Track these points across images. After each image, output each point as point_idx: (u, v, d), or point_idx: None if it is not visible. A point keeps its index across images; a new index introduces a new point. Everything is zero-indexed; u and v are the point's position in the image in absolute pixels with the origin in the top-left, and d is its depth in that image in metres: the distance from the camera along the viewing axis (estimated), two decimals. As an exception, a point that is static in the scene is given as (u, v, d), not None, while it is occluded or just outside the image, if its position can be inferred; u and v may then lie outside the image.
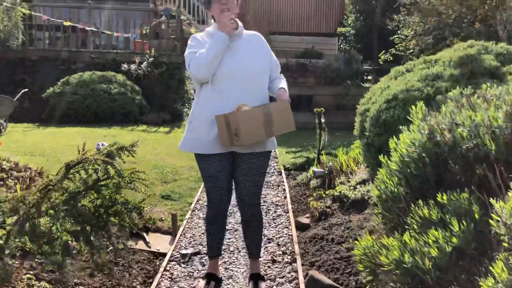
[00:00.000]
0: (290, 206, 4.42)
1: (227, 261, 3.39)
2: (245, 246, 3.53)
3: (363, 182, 4.16)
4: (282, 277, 3.10)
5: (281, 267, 3.24)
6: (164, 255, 3.51)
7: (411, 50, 11.26)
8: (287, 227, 3.97)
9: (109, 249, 3.18)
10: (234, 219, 4.16)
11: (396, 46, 12.05)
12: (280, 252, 3.48)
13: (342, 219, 3.70)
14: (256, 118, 2.53)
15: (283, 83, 2.76)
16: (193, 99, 11.29)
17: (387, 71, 13.72)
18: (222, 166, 2.74)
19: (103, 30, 11.07)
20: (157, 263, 3.42)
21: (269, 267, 3.26)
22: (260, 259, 3.11)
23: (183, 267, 3.30)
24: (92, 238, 2.68)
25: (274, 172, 5.99)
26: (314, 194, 4.41)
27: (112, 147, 2.54)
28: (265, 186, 5.15)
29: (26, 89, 8.47)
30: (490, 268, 1.43)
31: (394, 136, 3.66)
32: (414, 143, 2.07)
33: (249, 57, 2.68)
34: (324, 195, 4.24)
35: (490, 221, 1.52)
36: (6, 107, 7.29)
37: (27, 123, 8.86)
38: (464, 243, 1.65)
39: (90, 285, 2.93)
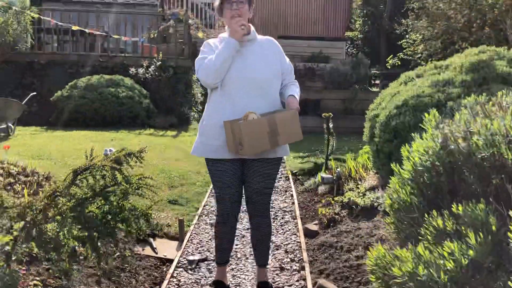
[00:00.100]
0: (298, 212, 4.38)
1: (235, 268, 3.35)
2: (253, 253, 3.51)
3: (372, 188, 4.11)
4: (290, 285, 3.05)
5: (289, 275, 3.20)
6: (171, 261, 3.48)
7: (419, 55, 11.19)
8: (295, 234, 3.93)
9: (116, 255, 3.16)
10: (241, 225, 4.12)
11: (404, 51, 11.98)
12: (288, 260, 3.44)
13: (351, 226, 3.65)
14: (261, 128, 2.50)
15: (294, 90, 2.72)
16: (200, 103, 11.31)
17: (395, 75, 13.67)
18: (231, 171, 2.72)
19: (111, 34, 11.11)
20: (164, 269, 3.39)
21: (277, 274, 3.22)
22: (268, 266, 3.07)
23: (190, 274, 3.27)
24: (99, 244, 2.66)
25: (281, 177, 5.95)
26: (323, 201, 4.37)
27: (120, 153, 2.52)
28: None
29: (35, 93, 8.50)
30: (509, 283, 1.38)
31: (405, 143, 3.62)
32: (427, 151, 2.02)
33: (259, 63, 2.65)
34: (332, 202, 4.19)
35: (509, 233, 1.47)
36: (15, 111, 7.32)
37: (35, 126, 8.89)
38: (480, 256, 1.61)
39: (97, 292, 2.91)
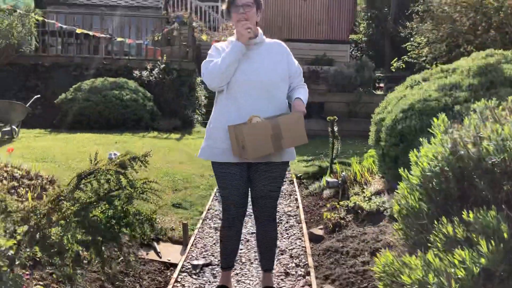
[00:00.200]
0: (302, 217, 4.35)
1: (239, 273, 3.32)
2: (257, 258, 3.47)
3: (378, 193, 4.07)
4: (296, 291, 3.02)
5: (294, 280, 3.17)
6: (175, 265, 3.46)
7: (424, 58, 11.13)
8: (300, 239, 3.90)
9: (120, 259, 3.14)
10: (245, 229, 4.09)
11: (408, 54, 11.93)
12: (293, 265, 3.41)
13: (357, 231, 3.62)
14: (264, 131, 2.48)
15: (301, 93, 2.70)
16: (204, 105, 11.28)
17: (399, 78, 13.64)
18: (237, 175, 2.70)
19: (115, 37, 11.12)
20: (168, 274, 3.37)
21: (282, 280, 3.19)
22: (273, 271, 3.04)
23: (195, 279, 3.24)
24: (103, 249, 2.64)
25: (285, 181, 5.91)
26: (328, 205, 4.33)
27: (124, 157, 2.50)
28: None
29: (39, 95, 8.50)
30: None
31: (411, 147, 3.59)
32: (436, 156, 1.99)
33: (266, 66, 2.64)
34: (338, 206, 4.16)
35: (522, 242, 1.44)
36: (19, 113, 7.32)
37: (39, 129, 8.89)
38: (492, 264, 1.57)
39: (101, 296, 2.88)
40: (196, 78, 11.02)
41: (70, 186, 2.34)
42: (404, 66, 12.24)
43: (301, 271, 3.29)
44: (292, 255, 3.58)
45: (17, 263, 2.47)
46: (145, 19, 11.99)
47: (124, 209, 2.48)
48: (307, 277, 3.18)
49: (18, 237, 2.53)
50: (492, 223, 1.66)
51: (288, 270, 3.31)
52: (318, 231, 3.92)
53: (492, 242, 1.59)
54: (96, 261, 2.71)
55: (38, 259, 2.75)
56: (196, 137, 9.20)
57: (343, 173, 4.75)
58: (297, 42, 12.94)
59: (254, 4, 2.61)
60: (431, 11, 10.81)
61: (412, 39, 12.02)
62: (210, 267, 3.42)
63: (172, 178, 5.51)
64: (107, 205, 2.50)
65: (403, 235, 2.07)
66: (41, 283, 2.74)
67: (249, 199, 2.84)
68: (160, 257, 3.57)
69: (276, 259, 3.42)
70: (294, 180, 5.86)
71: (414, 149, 2.14)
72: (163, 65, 10.40)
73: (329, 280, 3.07)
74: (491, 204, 1.77)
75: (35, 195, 3.29)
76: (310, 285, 3.04)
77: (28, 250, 2.53)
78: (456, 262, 1.64)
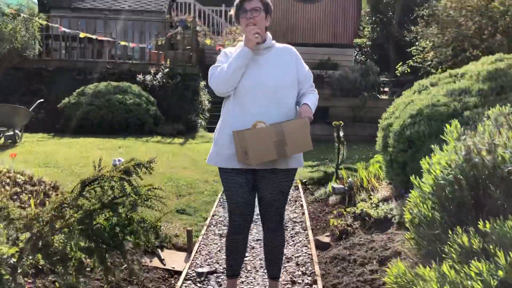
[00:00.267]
0: (308, 223, 4.28)
1: (244, 281, 3.26)
2: (262, 265, 3.42)
3: (386, 199, 4.01)
4: (303, 300, 2.96)
5: (301, 289, 3.10)
6: (179, 273, 3.40)
7: (429, 62, 11.07)
8: (306, 246, 3.83)
9: (123, 266, 3.09)
10: (251, 236, 4.03)
11: (413, 58, 11.87)
12: (300, 273, 3.35)
13: (365, 239, 3.55)
14: (267, 137, 2.43)
15: (309, 98, 2.65)
16: (207, 110, 11.26)
17: (404, 83, 13.54)
18: (243, 181, 2.65)
19: (118, 41, 11.11)
20: (172, 281, 3.31)
21: (288, 288, 3.13)
22: (279, 279, 2.98)
23: (199, 287, 3.18)
24: (106, 256, 2.59)
25: (290, 186, 5.86)
26: (334, 212, 4.27)
27: (129, 163, 2.45)
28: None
29: (42, 100, 8.48)
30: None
31: (420, 153, 3.52)
32: (450, 164, 1.93)
33: (273, 71, 2.59)
34: (344, 213, 4.09)
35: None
36: (22, 118, 7.29)
37: (42, 133, 8.87)
38: (510, 277, 1.51)
39: (104, 305, 2.83)
40: (200, 83, 11.00)
41: (74, 193, 2.29)
42: (409, 70, 12.19)
43: (307, 279, 3.23)
44: (299, 262, 3.52)
45: (19, 271, 2.42)
46: (149, 23, 11.99)
47: (129, 216, 2.43)
48: (314, 285, 3.11)
49: (21, 244, 2.49)
50: (510, 233, 1.60)
51: (294, 279, 3.25)
52: (324, 238, 3.86)
53: (510, 253, 1.53)
54: (100, 269, 2.66)
55: (40, 267, 2.71)
56: (199, 141, 9.16)
57: (349, 179, 4.69)
58: (301, 46, 12.88)
59: (262, 9, 2.57)
60: (436, 15, 10.77)
61: (417, 43, 11.98)
62: (215, 274, 3.36)
63: (176, 184, 5.46)
64: (111, 213, 2.45)
65: (415, 245, 2.01)
66: (43, 291, 2.69)
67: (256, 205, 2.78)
68: (164, 265, 3.51)
69: (282, 267, 3.37)
70: (299, 185, 5.80)
71: (426, 157, 2.08)
72: (167, 69, 10.38)
73: (337, 289, 3.00)
74: (507, 213, 1.71)
75: (38, 201, 3.25)
76: (317, 294, 2.98)
77: (30, 257, 2.49)
78: (473, 274, 1.58)
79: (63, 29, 10.56)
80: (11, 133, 7.03)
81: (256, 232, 4.11)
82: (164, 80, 10.26)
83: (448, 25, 10.37)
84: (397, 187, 4.01)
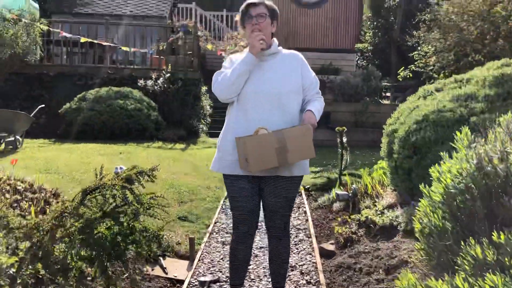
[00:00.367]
0: (312, 231, 4.23)
1: (248, 290, 3.20)
2: (266, 274, 3.36)
3: (391, 206, 3.95)
4: (308, 310, 2.90)
5: (306, 299, 3.05)
6: (181, 282, 3.34)
7: (431, 67, 11.03)
8: (310, 254, 3.77)
9: (125, 275, 3.03)
10: (254, 243, 3.96)
11: (415, 63, 11.84)
12: (304, 282, 3.29)
13: (370, 247, 3.49)
14: (268, 144, 2.39)
15: (314, 105, 2.61)
16: (209, 115, 11.20)
17: (406, 87, 13.45)
18: (246, 189, 2.61)
19: (120, 46, 11.09)
20: (175, 291, 3.25)
21: (293, 298, 3.07)
22: (283, 289, 2.92)
23: (202, 297, 3.12)
24: (108, 266, 2.54)
25: (293, 193, 5.80)
26: (338, 219, 4.21)
27: (131, 171, 2.40)
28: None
29: (43, 105, 8.45)
30: None
31: (426, 160, 3.47)
32: (461, 173, 1.88)
33: (278, 77, 2.56)
34: (349, 220, 4.04)
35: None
36: (23, 123, 7.25)
37: (43, 138, 8.83)
38: (527, 291, 1.46)
39: (105, 316, 2.76)
40: (201, 88, 10.97)
41: (75, 202, 2.24)
42: (411, 75, 12.15)
43: (312, 288, 3.17)
44: (303, 271, 3.46)
45: (18, 281, 2.37)
46: (150, 28, 11.99)
47: (131, 225, 2.38)
48: (319, 295, 3.06)
49: (20, 254, 2.44)
50: (526, 245, 1.54)
51: (299, 288, 3.19)
52: (329, 246, 3.80)
53: (527, 267, 1.47)
54: (101, 279, 2.61)
55: (40, 276, 2.65)
56: (201, 147, 9.11)
57: (354, 185, 4.64)
58: (303, 51, 12.88)
59: (268, 15, 2.54)
60: (438, 20, 10.74)
61: (419, 48, 11.94)
62: (218, 284, 3.30)
63: (177, 190, 5.40)
64: (112, 221, 2.40)
65: (425, 256, 1.96)
66: (43, 302, 2.63)
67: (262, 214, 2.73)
68: (166, 273, 3.45)
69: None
70: (303, 192, 5.75)
71: (436, 165, 2.03)
72: (168, 75, 10.35)
73: (342, 298, 2.95)
74: (522, 224, 1.66)
75: (39, 209, 3.20)
76: (322, 304, 2.92)
77: (30, 267, 2.43)
78: (487, 287, 1.52)
79: (64, 34, 10.55)
80: (12, 138, 6.99)
81: (259, 239, 4.05)
82: (165, 85, 10.22)
83: (450, 30, 10.34)
84: (402, 194, 3.96)
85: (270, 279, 2.91)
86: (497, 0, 9.84)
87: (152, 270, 3.44)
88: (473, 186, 1.85)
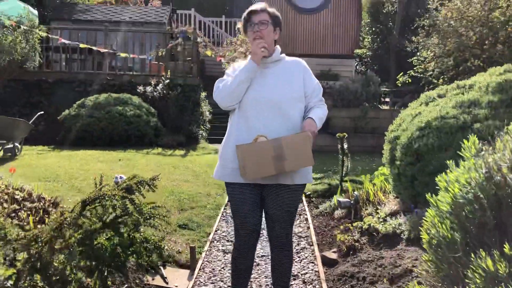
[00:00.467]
0: (314, 239, 4.18)
1: (250, 300, 3.15)
2: (268, 283, 3.32)
3: (393, 214, 3.90)
4: (311, 321, 2.85)
5: (309, 309, 2.99)
6: (182, 292, 3.29)
7: (431, 72, 11.03)
8: (312, 262, 3.73)
9: (125, 286, 2.98)
10: (255, 251, 3.92)
11: (414, 68, 11.84)
12: (307, 291, 3.24)
13: (373, 255, 3.44)
14: (264, 152, 2.36)
15: (315, 112, 2.58)
16: (208, 121, 11.16)
17: (405, 93, 13.43)
18: (248, 196, 2.57)
19: (119, 52, 11.07)
20: (175, 301, 3.20)
21: (296, 308, 3.02)
22: (286, 299, 2.87)
23: (203, 307, 3.07)
24: (108, 277, 2.49)
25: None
26: (341, 226, 4.16)
27: (131, 181, 2.36)
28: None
29: (42, 112, 8.40)
30: None
31: (429, 167, 3.44)
32: (469, 182, 1.84)
33: (279, 84, 2.54)
34: (351, 228, 3.99)
35: None
36: (22, 130, 7.20)
37: (42, 145, 8.78)
38: (542, 306, 1.42)
39: (105, 328, 2.71)
40: (201, 93, 10.94)
41: (74, 213, 2.20)
42: (410, 80, 12.15)
43: (315, 298, 3.12)
44: (305, 280, 3.41)
45: (16, 294, 2.32)
46: (149, 35, 11.97)
47: (131, 236, 2.34)
48: (322, 305, 3.01)
49: (18, 265, 2.39)
50: (539, 258, 1.50)
51: (301, 297, 3.14)
52: (331, 254, 3.75)
53: (541, 280, 1.43)
54: (100, 290, 2.56)
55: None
56: (201, 153, 9.07)
57: (355, 192, 4.59)
58: (302, 57, 12.87)
59: (270, 22, 2.52)
60: (437, 25, 10.75)
61: (418, 53, 11.95)
62: (219, 294, 3.25)
63: (177, 198, 5.36)
64: (112, 232, 2.36)
65: (433, 267, 1.91)
66: (41, 315, 2.58)
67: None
68: (167, 283, 3.40)
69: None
70: (304, 198, 5.70)
71: (443, 174, 1.99)
72: (167, 81, 10.33)
73: (346, 309, 2.90)
74: (533, 235, 1.62)
75: (37, 218, 3.15)
76: (326, 314, 2.87)
77: (28, 279, 2.39)
78: (500, 302, 1.48)
79: (62, 40, 10.52)
80: (11, 146, 6.94)
81: (260, 247, 4.00)
82: (164, 91, 10.20)
83: (449, 35, 10.35)
84: (405, 201, 3.92)
85: (272, 289, 2.87)
86: (495, 5, 9.86)
87: (153, 279, 3.39)
88: (482, 196, 1.81)
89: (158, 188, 5.30)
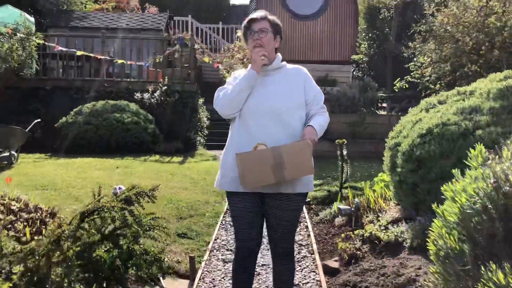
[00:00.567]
0: (315, 247, 4.13)
1: (251, 311, 3.09)
2: (270, 294, 3.26)
3: (395, 221, 3.86)
4: (314, 333, 2.80)
5: (312, 320, 2.94)
6: (182, 303, 3.23)
7: (428, 78, 11.04)
8: (314, 271, 3.68)
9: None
10: (256, 260, 3.87)
11: (411, 74, 11.86)
12: (309, 302, 3.19)
13: (375, 264, 3.40)
14: (263, 160, 2.32)
15: (316, 120, 2.54)
16: (206, 127, 11.10)
17: (402, 98, 13.43)
18: (248, 206, 2.53)
19: (116, 59, 11.03)
20: (175, 313, 3.14)
21: (298, 319, 2.97)
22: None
23: (204, 319, 3.01)
24: (106, 289, 2.44)
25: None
26: (342, 234, 4.12)
27: (130, 192, 2.32)
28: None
29: (39, 119, 8.35)
30: None
31: (431, 174, 3.40)
32: (477, 192, 1.80)
33: (279, 92, 2.51)
34: (352, 236, 3.95)
35: None
36: (18, 138, 7.14)
37: (39, 153, 8.71)
38: (556, 321, 1.38)
39: None
40: (198, 100, 10.90)
41: (72, 226, 2.15)
42: (407, 86, 12.16)
43: (318, 309, 3.07)
44: (307, 290, 3.36)
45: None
46: (146, 41, 11.94)
47: (130, 248, 2.29)
48: (325, 316, 2.96)
49: (14, 278, 2.33)
50: (551, 271, 1.46)
51: (304, 308, 3.09)
52: (333, 263, 3.71)
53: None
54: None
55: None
56: (199, 160, 9.01)
57: (356, 199, 4.55)
58: (299, 63, 12.88)
59: (271, 30, 2.50)
60: (434, 31, 10.77)
61: (415, 59, 11.97)
62: (220, 305, 3.19)
63: (176, 206, 5.30)
64: (111, 244, 2.31)
65: (441, 279, 1.87)
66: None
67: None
68: (166, 294, 3.34)
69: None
70: (303, 206, 5.65)
71: (450, 184, 1.96)
72: (165, 87, 10.29)
73: (350, 319, 2.85)
74: (544, 247, 1.58)
75: (34, 229, 3.09)
76: (329, 325, 2.82)
77: (25, 292, 2.33)
78: (512, 316, 1.44)
79: (59, 47, 10.47)
80: (7, 154, 6.87)
81: (261, 256, 3.95)
82: (162, 98, 10.15)
83: (445, 40, 10.37)
84: (407, 208, 3.88)
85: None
86: (491, 11, 9.89)
87: (152, 291, 3.33)
88: (490, 206, 1.77)
89: (156, 196, 5.24)
